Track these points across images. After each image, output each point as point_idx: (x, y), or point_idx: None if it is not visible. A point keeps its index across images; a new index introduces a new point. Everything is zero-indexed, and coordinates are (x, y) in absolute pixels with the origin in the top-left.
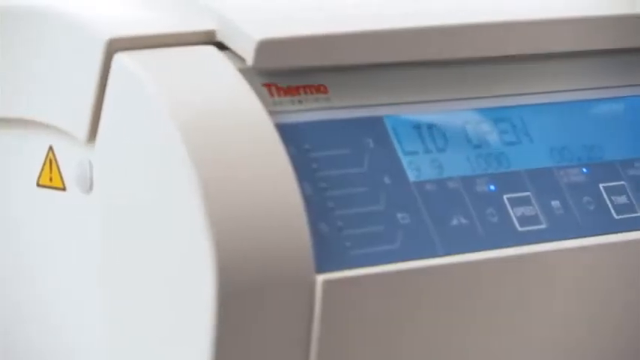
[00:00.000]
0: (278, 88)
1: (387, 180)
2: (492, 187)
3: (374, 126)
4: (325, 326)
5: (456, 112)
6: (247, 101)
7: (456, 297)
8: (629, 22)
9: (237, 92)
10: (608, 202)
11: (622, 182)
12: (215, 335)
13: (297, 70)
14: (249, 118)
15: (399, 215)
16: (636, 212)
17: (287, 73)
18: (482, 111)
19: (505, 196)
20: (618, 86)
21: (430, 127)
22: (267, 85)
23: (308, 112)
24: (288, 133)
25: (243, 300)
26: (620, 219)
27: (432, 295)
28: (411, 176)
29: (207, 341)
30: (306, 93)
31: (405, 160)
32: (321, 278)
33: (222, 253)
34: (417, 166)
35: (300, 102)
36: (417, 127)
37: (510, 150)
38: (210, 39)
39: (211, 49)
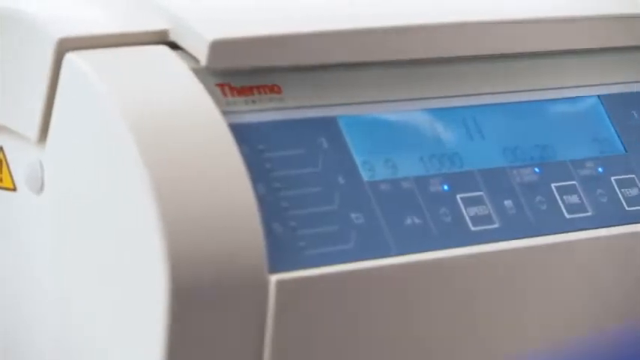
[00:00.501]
0: (231, 88)
1: (340, 180)
2: (446, 187)
3: (328, 126)
4: (279, 326)
5: (410, 112)
6: (200, 101)
7: (410, 296)
8: (581, 23)
9: (190, 92)
10: (559, 201)
11: (573, 182)
12: (167, 335)
13: (250, 70)
14: (202, 118)
15: (353, 215)
16: (587, 212)
17: (240, 73)
18: (436, 111)
19: (458, 196)
20: (570, 87)
21: (384, 127)
22: (221, 85)
23: (261, 112)
24: (241, 133)
25: (196, 300)
26: (571, 218)
27: (385, 294)
28: (365, 176)
29: (159, 341)
30: (259, 93)
31: (358, 160)
32: (274, 278)
33: (175, 254)
34: (371, 166)
35: (253, 102)
36: (371, 127)
37: (464, 150)
38: (162, 39)
39: (164, 49)
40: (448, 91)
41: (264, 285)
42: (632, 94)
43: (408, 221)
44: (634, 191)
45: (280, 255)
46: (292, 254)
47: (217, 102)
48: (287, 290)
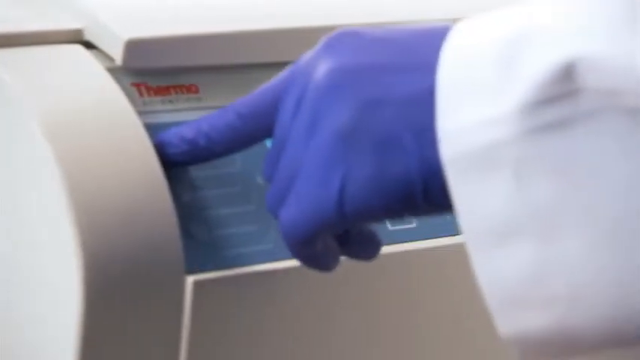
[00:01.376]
0: (148, 88)
1: (259, 180)
2: None
3: None
4: (196, 326)
5: None
6: (116, 101)
7: (330, 296)
8: None
9: (105, 92)
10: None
11: None
12: (81, 334)
13: (167, 69)
14: (117, 118)
15: (270, 216)
16: None
17: (157, 73)
18: None
19: None
20: None
21: None
22: (137, 85)
23: (179, 112)
24: (158, 133)
25: (111, 301)
26: None
27: (305, 293)
28: None
29: (73, 342)
30: (176, 93)
31: None
32: (191, 279)
33: (89, 254)
34: None
35: (170, 102)
36: None
37: None
38: (77, 38)
39: (78, 48)
40: None
41: (181, 285)
42: None
43: None
44: None
45: (198, 255)
46: (210, 255)
47: (133, 102)
48: (204, 291)
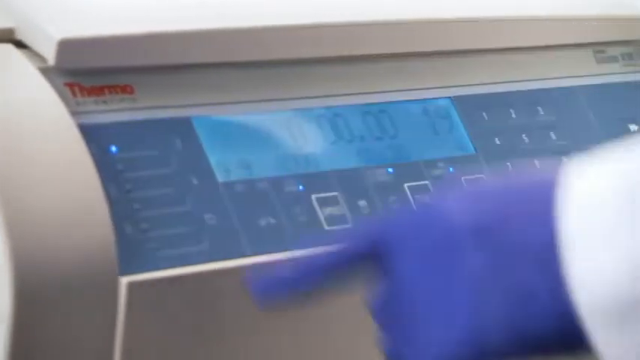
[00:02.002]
0: (81, 88)
1: (194, 181)
2: (301, 188)
3: (181, 127)
4: (130, 328)
5: (266, 113)
6: (48, 101)
7: None
8: (431, 26)
9: (37, 92)
10: (412, 201)
11: (426, 182)
12: (11, 334)
13: (101, 69)
14: (49, 119)
15: (207, 216)
16: None
17: (91, 73)
18: (292, 112)
19: (313, 196)
20: (423, 88)
21: (239, 128)
22: (70, 85)
23: (113, 112)
24: (91, 133)
25: (44, 303)
26: None
27: (240, 295)
28: (220, 177)
29: (5, 344)
30: (111, 93)
31: (213, 161)
32: (125, 280)
33: (20, 255)
34: (226, 167)
35: (104, 102)
36: (226, 128)
37: (319, 150)
38: (8, 37)
39: (9, 48)
40: (304, 92)
41: (115, 287)
42: (482, 95)
43: (263, 222)
44: None
45: (132, 257)
46: (144, 256)
47: (66, 102)
48: (138, 292)
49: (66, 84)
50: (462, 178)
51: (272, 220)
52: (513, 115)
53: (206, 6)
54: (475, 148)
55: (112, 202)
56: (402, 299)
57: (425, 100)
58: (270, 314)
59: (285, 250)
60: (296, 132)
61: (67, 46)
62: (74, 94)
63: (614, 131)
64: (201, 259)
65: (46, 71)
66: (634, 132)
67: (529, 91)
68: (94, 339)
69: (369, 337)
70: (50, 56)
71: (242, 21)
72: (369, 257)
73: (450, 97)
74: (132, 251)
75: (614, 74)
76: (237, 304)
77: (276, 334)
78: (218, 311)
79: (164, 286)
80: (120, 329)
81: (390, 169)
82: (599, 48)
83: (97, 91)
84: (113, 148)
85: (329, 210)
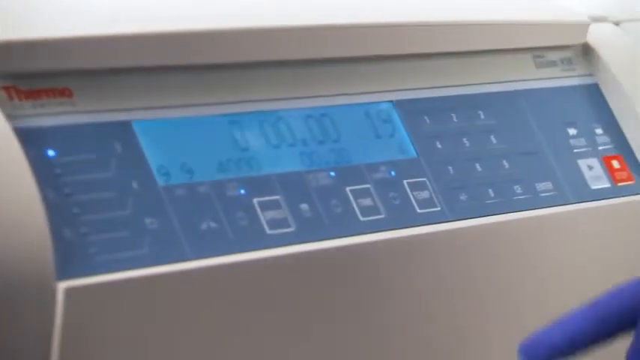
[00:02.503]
0: (18, 91)
1: (134, 185)
2: (242, 191)
3: (121, 131)
4: (68, 334)
5: (208, 117)
6: None
7: (206, 300)
8: (374, 30)
9: None
10: (354, 204)
11: (367, 185)
12: None
13: (39, 73)
14: None
15: (147, 220)
16: (380, 214)
17: (28, 76)
18: (234, 116)
19: (255, 200)
20: (365, 92)
21: (181, 131)
22: (6, 88)
23: (51, 116)
24: (28, 137)
25: None
26: (365, 221)
27: (182, 299)
28: (160, 181)
29: None
30: (48, 97)
31: (154, 165)
32: (62, 285)
33: None
34: (167, 171)
35: (42, 106)
36: (167, 131)
37: (261, 154)
38: None
39: None
40: (246, 96)
41: (52, 292)
42: (424, 99)
43: (204, 225)
44: (425, 194)
45: (70, 261)
46: (83, 260)
47: (2, 105)
48: (76, 297)
49: (2, 87)
50: (404, 181)
51: (213, 224)
52: (454, 119)
53: (148, 8)
54: (417, 152)
55: (50, 206)
56: None
57: (367, 103)
58: (212, 321)
59: (227, 254)
60: (238, 136)
61: (3, 49)
62: (11, 97)
63: (553, 135)
64: (142, 264)
65: None
66: (573, 136)
67: (470, 95)
68: (31, 345)
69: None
70: None
71: (182, 24)
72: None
73: (391, 101)
74: (70, 256)
75: (553, 79)
76: (178, 309)
77: (218, 338)
78: (158, 316)
79: (103, 291)
80: (57, 335)
81: (332, 173)
82: (538, 53)
83: (34, 94)
84: (51, 152)
85: (271, 214)
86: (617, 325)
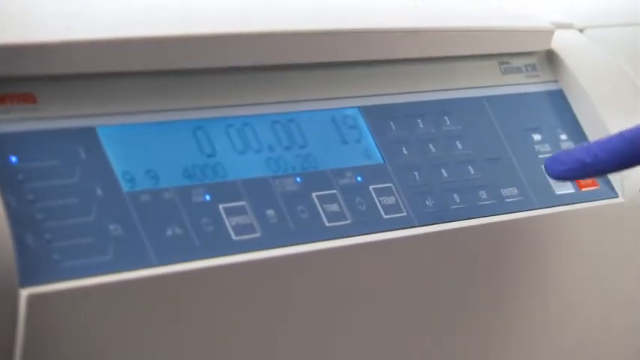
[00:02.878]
0: None
1: (99, 191)
2: (208, 197)
3: (86, 137)
4: (30, 341)
5: (172, 123)
6: None
7: (173, 307)
8: (339, 36)
9: None
10: (320, 210)
11: (334, 191)
12: None
13: (2, 78)
14: None
15: (112, 226)
16: (346, 220)
17: None
18: (199, 121)
19: (220, 206)
20: (331, 98)
21: (145, 137)
22: None
23: (14, 122)
24: None
25: None
26: (331, 226)
27: (147, 305)
28: (125, 187)
29: None
30: (12, 102)
31: (118, 171)
32: (25, 292)
33: None
34: (132, 177)
35: (5, 111)
36: (132, 137)
37: (227, 160)
38: None
39: None
40: (212, 101)
41: (14, 299)
42: (390, 105)
43: (169, 232)
44: (391, 199)
45: (33, 268)
46: (46, 267)
47: None
48: (39, 304)
49: None
50: (370, 187)
51: (178, 230)
52: (420, 125)
53: (112, 14)
54: (383, 158)
55: (12, 212)
56: None
57: (333, 109)
58: (178, 325)
59: (192, 260)
60: (203, 141)
61: None
62: None
63: (518, 141)
64: (106, 270)
65: None
66: (538, 141)
67: (436, 101)
68: None
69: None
70: None
71: (146, 30)
72: None
73: (358, 107)
74: (34, 262)
75: (519, 85)
76: (143, 316)
77: (184, 344)
78: (122, 323)
79: (67, 298)
80: (20, 342)
81: (298, 179)
82: (504, 59)
83: None
84: (13, 159)
85: (236, 219)
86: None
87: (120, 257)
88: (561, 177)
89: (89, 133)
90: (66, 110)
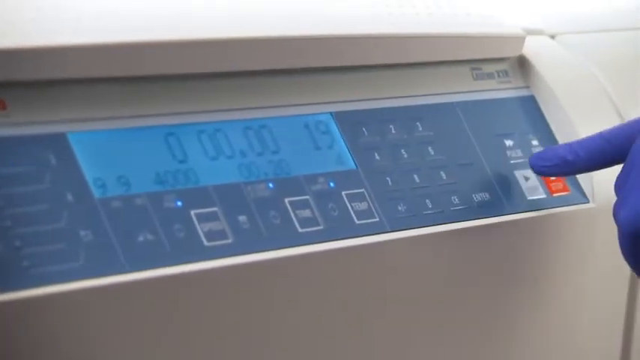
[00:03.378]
0: None
1: (70, 197)
2: (180, 203)
3: (57, 143)
4: (1, 348)
5: (143, 129)
6: None
7: (144, 313)
8: (309, 42)
9: None
10: (292, 216)
11: (306, 197)
12: None
13: None
14: None
15: (83, 233)
16: (319, 225)
17: None
18: (171, 127)
19: (192, 212)
20: (304, 104)
21: (117, 143)
22: None
23: None
24: None
25: None
26: (304, 232)
27: (118, 312)
28: (96, 193)
29: None
30: None
31: (89, 177)
32: None
33: None
34: (103, 183)
35: None
36: (103, 143)
37: (199, 166)
38: None
39: None
40: (183, 107)
41: None
42: (362, 111)
43: (141, 238)
44: (363, 205)
45: (2, 275)
46: (16, 274)
47: None
48: (10, 311)
49: None
50: (343, 192)
51: (150, 237)
52: (393, 131)
53: (83, 20)
54: (355, 163)
55: None
56: (631, 172)
57: (306, 115)
58: (150, 332)
59: (164, 266)
60: (175, 147)
61: None
62: None
63: (490, 146)
64: (77, 277)
65: None
66: (509, 147)
67: (408, 106)
68: None
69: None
70: None
71: (117, 36)
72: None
73: (330, 113)
74: (3, 269)
75: (490, 90)
76: (114, 322)
77: (155, 350)
78: (93, 330)
79: (37, 305)
80: None
81: (271, 184)
82: (475, 65)
83: None
84: None
85: (208, 225)
86: (618, 146)
87: (91, 264)
88: (544, 173)
89: (60, 139)
90: (36, 116)
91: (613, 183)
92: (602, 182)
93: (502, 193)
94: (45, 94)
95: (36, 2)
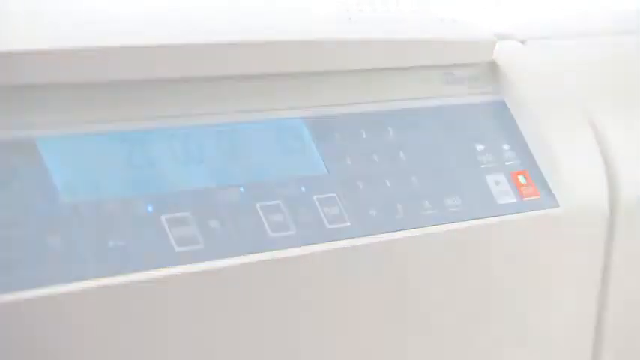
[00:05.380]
0: None
1: (37, 203)
2: (150, 209)
3: (25, 148)
4: None
5: (113, 134)
6: None
7: (113, 320)
8: (285, 46)
9: None
10: (264, 220)
11: (277, 201)
12: None
13: None
14: None
15: (51, 239)
16: (290, 230)
17: None
18: (141, 132)
19: (163, 217)
20: (275, 109)
21: (86, 148)
22: None
23: None
24: None
25: None
26: (275, 237)
27: (87, 319)
28: (65, 198)
29: None
30: None
31: (58, 183)
32: None
33: None
34: (72, 188)
35: None
36: (72, 148)
37: (170, 171)
38: None
39: None
40: (154, 112)
41: None
42: (334, 116)
43: (111, 243)
44: (334, 210)
45: None
46: None
47: None
48: None
49: None
50: (314, 197)
51: (120, 242)
52: (364, 136)
53: (52, 25)
54: (327, 168)
55: None
56: None
57: (277, 120)
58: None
59: (134, 271)
60: (146, 152)
61: None
62: None
63: (461, 151)
64: (44, 283)
65: None
66: (480, 152)
67: (379, 111)
68: None
69: None
70: None
71: (86, 40)
72: None
73: (301, 118)
74: None
75: (461, 96)
76: (82, 329)
77: (126, 357)
78: (62, 337)
79: (3, 312)
80: None
81: (242, 189)
82: (447, 70)
83: None
84: None
85: (179, 231)
86: None
87: (60, 269)
88: None
89: (28, 144)
90: (4, 121)
91: (581, 186)
92: (572, 187)
93: (473, 198)
94: (13, 99)
95: (4, 8)
